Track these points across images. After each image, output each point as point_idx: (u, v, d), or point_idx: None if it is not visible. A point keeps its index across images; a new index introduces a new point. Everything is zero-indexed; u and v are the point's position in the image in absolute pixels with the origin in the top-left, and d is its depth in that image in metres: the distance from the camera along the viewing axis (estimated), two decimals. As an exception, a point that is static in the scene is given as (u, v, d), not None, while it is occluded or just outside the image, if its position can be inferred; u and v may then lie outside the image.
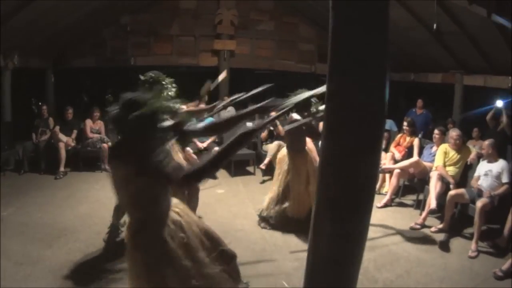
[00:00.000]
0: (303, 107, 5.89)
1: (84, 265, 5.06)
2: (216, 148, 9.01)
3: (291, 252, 5.54)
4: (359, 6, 2.28)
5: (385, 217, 6.98)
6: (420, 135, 8.62)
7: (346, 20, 2.37)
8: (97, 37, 12.93)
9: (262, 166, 8.87)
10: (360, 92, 2.33)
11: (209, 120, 9.31)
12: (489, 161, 6.31)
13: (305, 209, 6.30)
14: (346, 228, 2.51)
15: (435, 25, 7.29)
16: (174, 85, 5.03)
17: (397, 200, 7.79)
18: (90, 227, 6.23)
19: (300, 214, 6.34)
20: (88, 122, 9.95)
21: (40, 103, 10.36)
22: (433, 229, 6.40)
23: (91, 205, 7.23)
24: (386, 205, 7.43)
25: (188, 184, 3.76)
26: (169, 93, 4.91)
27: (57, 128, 9.59)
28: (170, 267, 3.09)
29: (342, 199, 2.48)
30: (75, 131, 9.98)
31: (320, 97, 5.05)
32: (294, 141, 6.50)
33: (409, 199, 7.85)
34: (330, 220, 2.54)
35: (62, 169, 9.10)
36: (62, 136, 9.40)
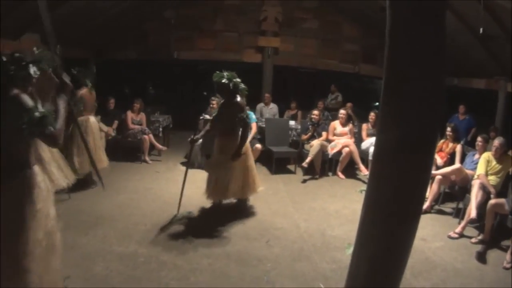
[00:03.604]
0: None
1: (119, 253, 5.09)
2: (258, 145, 9.05)
3: (329, 254, 5.45)
4: (417, 4, 2.22)
5: (424, 224, 6.83)
6: (462, 142, 8.43)
7: (404, 19, 2.31)
8: (139, 30, 13.08)
9: (304, 164, 8.81)
10: (417, 92, 2.28)
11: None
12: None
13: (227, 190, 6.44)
14: (394, 231, 2.47)
15: (481, 29, 7.11)
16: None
17: (436, 207, 7.62)
18: (127, 217, 6.28)
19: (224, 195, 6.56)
20: (130, 113, 10.06)
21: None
22: (473, 240, 6.22)
23: (130, 195, 7.29)
24: (425, 212, 7.25)
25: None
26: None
27: (98, 117, 9.68)
28: None
29: (392, 202, 2.43)
30: (116, 122, 10.09)
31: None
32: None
33: (449, 207, 7.67)
34: (379, 222, 2.50)
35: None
36: (102, 126, 9.49)
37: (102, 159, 7.58)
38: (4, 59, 3.37)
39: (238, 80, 6.34)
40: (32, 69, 3.52)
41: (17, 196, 3.29)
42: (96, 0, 8.82)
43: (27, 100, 3.31)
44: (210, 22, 13.24)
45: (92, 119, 7.61)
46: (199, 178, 7.53)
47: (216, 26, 13.28)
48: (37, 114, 3.25)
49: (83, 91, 7.36)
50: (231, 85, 6.26)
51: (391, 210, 2.45)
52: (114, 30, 11.97)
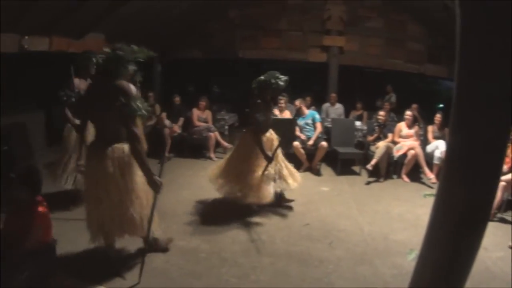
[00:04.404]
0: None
1: (180, 248, 5.21)
2: (324, 143, 9.04)
3: (391, 259, 5.35)
4: (487, 4, 2.19)
5: (485, 232, 6.58)
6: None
7: (474, 20, 2.27)
8: (204, 30, 13.25)
9: (369, 166, 8.70)
10: (488, 93, 2.24)
11: (312, 114, 9.43)
12: None
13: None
14: (462, 236, 2.43)
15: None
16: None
17: (499, 215, 7.31)
18: (191, 212, 6.43)
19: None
20: (195, 111, 10.21)
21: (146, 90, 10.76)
22: (533, 251, 5.98)
23: (194, 191, 7.42)
24: (487, 220, 6.99)
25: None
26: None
27: (164, 114, 9.88)
28: None
29: (461, 206, 2.40)
30: (181, 119, 10.29)
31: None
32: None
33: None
34: (447, 226, 2.47)
35: (166, 154, 9.31)
36: (167, 122, 9.68)
37: None
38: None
39: None
40: (131, 66, 4.16)
41: (123, 163, 4.20)
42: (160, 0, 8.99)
43: (132, 88, 3.96)
44: (274, 21, 13.23)
45: None
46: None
47: (280, 25, 13.25)
48: (134, 103, 3.86)
49: None
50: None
51: (460, 214, 2.41)
52: (179, 30, 12.16)
